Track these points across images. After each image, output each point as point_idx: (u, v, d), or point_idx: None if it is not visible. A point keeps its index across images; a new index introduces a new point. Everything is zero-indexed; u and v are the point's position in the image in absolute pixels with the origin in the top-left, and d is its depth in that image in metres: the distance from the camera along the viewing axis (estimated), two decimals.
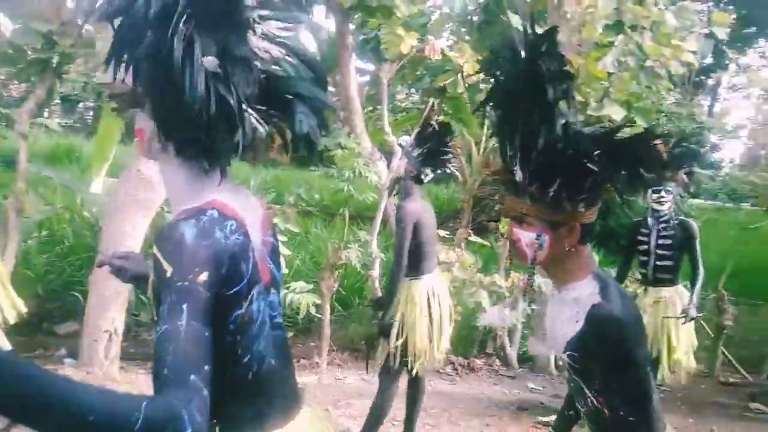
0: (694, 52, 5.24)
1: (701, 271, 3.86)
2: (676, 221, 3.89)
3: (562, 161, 1.30)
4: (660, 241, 3.91)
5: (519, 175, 1.35)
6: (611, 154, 1.31)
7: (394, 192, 3.38)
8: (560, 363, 5.19)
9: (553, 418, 4.16)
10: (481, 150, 6.81)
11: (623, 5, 5.19)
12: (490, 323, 4.95)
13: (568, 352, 1.39)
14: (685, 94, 8.68)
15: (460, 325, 5.31)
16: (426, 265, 3.32)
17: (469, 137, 6.76)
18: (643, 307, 3.84)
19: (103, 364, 4.02)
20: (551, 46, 1.27)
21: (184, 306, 0.98)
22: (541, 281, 4.81)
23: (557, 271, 1.44)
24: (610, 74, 4.93)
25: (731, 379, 5.45)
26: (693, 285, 3.87)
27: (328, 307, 4.63)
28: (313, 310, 4.49)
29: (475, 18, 6.85)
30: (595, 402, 1.40)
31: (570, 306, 1.40)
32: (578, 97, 3.71)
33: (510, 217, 1.44)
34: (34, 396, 0.79)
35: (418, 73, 7.72)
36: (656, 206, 3.85)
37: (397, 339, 3.23)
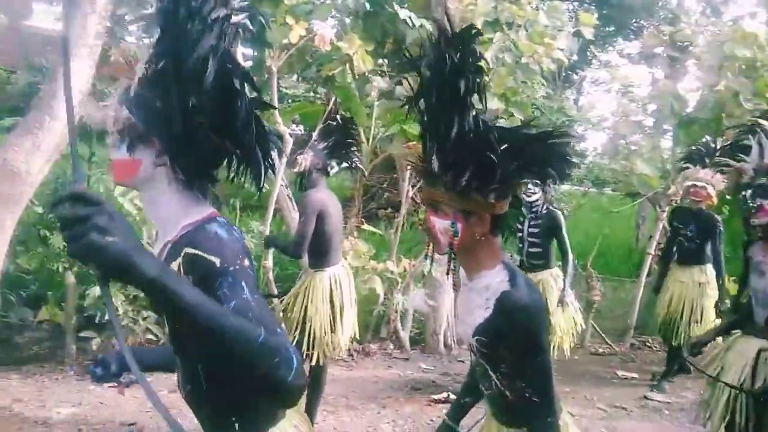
0: (562, 50, 5.66)
1: (569, 257, 4.21)
2: (545, 211, 4.22)
3: (472, 152, 1.35)
4: (530, 230, 4.24)
5: (435, 164, 1.41)
6: (518, 149, 1.37)
7: (301, 185, 3.40)
8: (450, 343, 5.45)
9: (444, 395, 4.40)
10: (370, 139, 6.92)
11: (500, 4, 5.49)
12: (416, 307, 5.13)
13: (476, 337, 1.45)
14: (555, 88, 9.33)
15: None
16: (331, 257, 3.34)
17: (358, 126, 6.84)
18: None
19: None
20: (469, 42, 1.33)
21: (243, 283, 1.08)
22: (432, 266, 5.01)
23: (469, 260, 1.50)
24: (488, 69, 5.20)
25: (600, 350, 6.01)
26: (564, 272, 4.22)
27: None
28: None
29: (359, 8, 6.92)
30: (499, 385, 1.47)
31: (480, 293, 1.46)
32: None
33: (426, 205, 1.49)
34: (191, 296, 0.92)
35: (307, 61, 7.67)
36: (526, 198, 4.14)
37: (300, 330, 3.24)
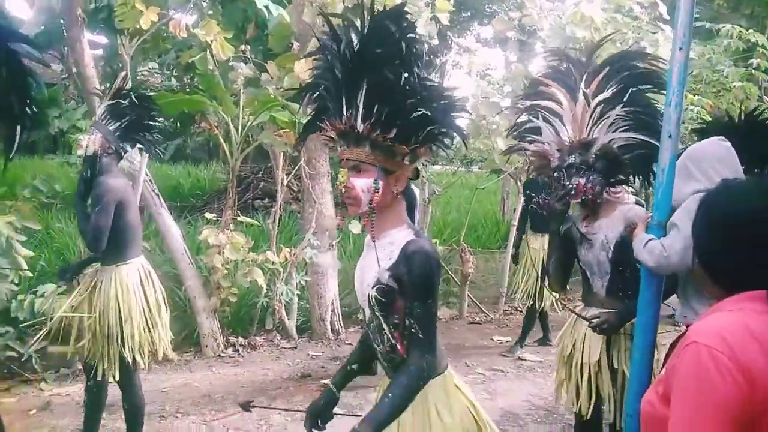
0: (422, 35, 5.82)
1: None
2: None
3: (406, 107, 1.52)
4: None
5: (360, 126, 1.52)
6: (444, 109, 1.57)
7: (89, 170, 2.97)
8: (338, 328, 5.48)
9: None
10: (240, 128, 6.72)
11: None
12: None
13: (377, 286, 1.55)
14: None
15: (237, 306, 5.27)
16: (134, 249, 3.09)
17: (225, 115, 6.60)
18: None
19: None
20: (405, 14, 1.53)
21: None
22: (312, 252, 5.01)
23: (379, 218, 1.61)
24: None
25: (477, 318, 6.35)
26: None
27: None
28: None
29: None
30: (390, 337, 1.58)
31: (384, 248, 1.58)
32: None
33: (349, 168, 1.58)
34: None
35: (163, 48, 7.23)
36: None
37: (120, 336, 2.95)
